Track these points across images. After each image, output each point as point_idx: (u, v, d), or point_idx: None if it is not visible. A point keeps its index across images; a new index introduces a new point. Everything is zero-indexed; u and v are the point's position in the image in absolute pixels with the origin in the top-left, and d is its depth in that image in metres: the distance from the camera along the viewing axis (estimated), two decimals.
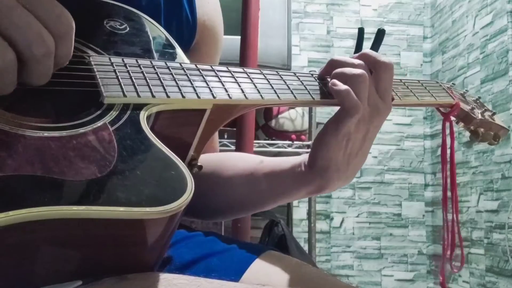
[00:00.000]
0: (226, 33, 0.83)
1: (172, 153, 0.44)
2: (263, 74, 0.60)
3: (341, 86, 0.58)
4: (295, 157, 0.66)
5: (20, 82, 0.43)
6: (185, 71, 0.55)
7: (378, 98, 0.60)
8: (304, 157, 0.64)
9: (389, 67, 0.60)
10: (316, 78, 0.63)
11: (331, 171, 0.61)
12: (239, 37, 1.21)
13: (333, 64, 0.61)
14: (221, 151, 0.81)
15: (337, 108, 0.61)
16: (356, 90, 0.58)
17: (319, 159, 0.61)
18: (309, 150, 1.93)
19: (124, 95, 0.48)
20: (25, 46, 0.42)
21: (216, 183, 0.69)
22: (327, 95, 0.61)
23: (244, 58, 1.19)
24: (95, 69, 0.50)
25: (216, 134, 0.81)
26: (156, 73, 0.53)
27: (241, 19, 1.21)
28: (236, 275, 0.58)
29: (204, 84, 0.54)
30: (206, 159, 0.69)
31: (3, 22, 0.40)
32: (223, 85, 0.55)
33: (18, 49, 0.41)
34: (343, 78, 0.59)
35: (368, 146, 0.63)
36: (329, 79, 0.61)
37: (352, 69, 0.59)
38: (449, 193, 0.75)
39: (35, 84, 0.45)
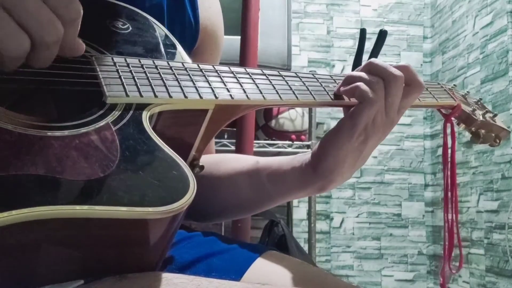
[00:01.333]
0: (226, 33, 0.83)
1: (174, 153, 0.44)
2: (265, 74, 0.60)
3: (354, 83, 0.58)
4: (295, 158, 0.65)
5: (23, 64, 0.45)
6: (187, 71, 0.55)
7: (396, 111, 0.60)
8: (305, 158, 0.64)
9: (421, 87, 0.61)
10: (317, 78, 0.63)
11: (336, 174, 0.61)
12: (239, 37, 1.21)
13: (348, 80, 0.61)
14: (221, 151, 0.82)
15: (337, 109, 0.61)
16: (375, 89, 0.57)
17: (326, 161, 0.60)
18: (309, 150, 1.94)
19: (127, 95, 0.48)
20: (37, 34, 0.43)
21: (211, 185, 0.68)
22: (329, 96, 0.61)
23: (244, 58, 1.19)
24: (98, 69, 0.50)
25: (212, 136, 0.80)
26: (159, 73, 0.53)
27: (241, 19, 1.21)
28: (236, 275, 0.58)
29: (206, 84, 0.54)
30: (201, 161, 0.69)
31: (17, 10, 0.42)
32: (225, 85, 0.55)
33: (31, 36, 0.43)
34: (357, 79, 0.59)
35: (373, 150, 0.63)
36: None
37: (371, 75, 0.59)
38: (449, 194, 0.75)
39: (38, 67, 0.46)
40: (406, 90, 0.60)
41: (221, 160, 0.72)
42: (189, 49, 0.74)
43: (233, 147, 1.55)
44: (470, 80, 2.34)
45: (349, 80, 0.60)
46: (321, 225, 2.51)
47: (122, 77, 0.50)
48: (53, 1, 0.44)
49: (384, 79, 0.58)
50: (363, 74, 0.59)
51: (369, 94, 0.57)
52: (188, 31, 0.74)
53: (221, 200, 0.70)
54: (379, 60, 0.60)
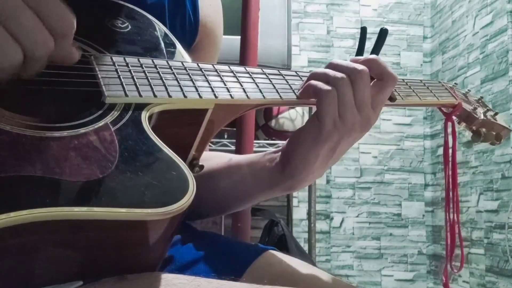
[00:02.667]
0: (226, 33, 0.83)
1: (174, 153, 0.44)
2: (265, 73, 0.59)
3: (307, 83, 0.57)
4: (265, 155, 0.63)
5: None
6: (187, 71, 0.55)
7: (370, 107, 0.57)
8: (274, 157, 0.62)
9: (394, 80, 0.58)
10: None
11: (305, 173, 0.58)
12: (239, 37, 1.21)
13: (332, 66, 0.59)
14: (221, 151, 0.81)
15: None
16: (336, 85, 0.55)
17: (294, 161, 0.58)
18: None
19: (126, 95, 0.48)
20: (29, 48, 0.43)
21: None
22: None
23: (244, 58, 1.19)
24: (97, 69, 0.50)
25: None
26: (158, 72, 0.52)
27: (241, 19, 1.20)
28: (236, 275, 0.57)
29: (206, 84, 0.54)
30: None
31: (11, 24, 0.41)
32: (225, 85, 0.55)
33: (23, 49, 0.42)
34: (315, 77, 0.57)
35: (347, 149, 0.60)
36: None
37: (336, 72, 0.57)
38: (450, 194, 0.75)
39: (26, 77, 0.46)
40: (379, 84, 0.58)
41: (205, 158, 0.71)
42: (188, 46, 0.73)
43: (233, 147, 1.55)
44: (470, 80, 2.34)
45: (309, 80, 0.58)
46: (321, 225, 2.50)
47: (121, 76, 0.50)
48: (46, 13, 0.43)
49: (349, 76, 0.56)
50: (322, 71, 0.57)
51: (321, 87, 0.55)
52: (188, 28, 0.74)
53: (202, 197, 0.69)
54: (340, 60, 0.58)
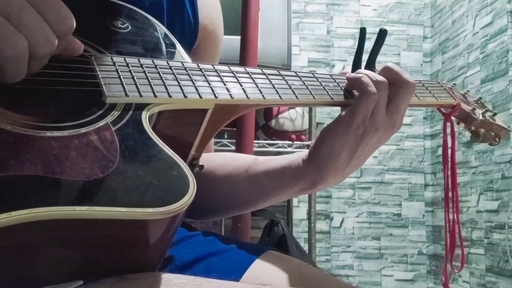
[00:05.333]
0: (226, 33, 0.83)
1: (174, 153, 0.44)
2: (265, 74, 0.60)
3: (357, 74, 0.61)
4: (293, 154, 0.65)
5: None
6: (187, 71, 0.55)
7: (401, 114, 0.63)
8: (303, 153, 0.63)
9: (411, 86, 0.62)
10: (317, 78, 0.63)
11: (330, 164, 0.60)
12: (239, 37, 1.21)
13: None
14: (221, 151, 0.81)
15: (337, 109, 0.61)
16: (377, 87, 0.60)
17: (322, 149, 0.60)
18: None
19: (126, 95, 0.48)
20: (32, 46, 0.43)
21: (210, 183, 0.68)
22: (328, 95, 0.61)
23: (244, 58, 1.19)
24: (97, 69, 0.50)
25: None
26: (158, 72, 0.53)
27: (241, 19, 1.20)
28: (236, 275, 0.58)
29: (206, 84, 0.54)
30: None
31: (15, 22, 0.42)
32: (225, 85, 0.55)
33: (27, 40, 0.43)
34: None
35: (372, 152, 0.65)
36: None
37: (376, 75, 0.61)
38: (450, 194, 0.75)
39: (27, 76, 0.46)
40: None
41: (221, 158, 0.72)
42: (188, 48, 0.73)
43: (233, 147, 1.55)
44: (470, 80, 2.34)
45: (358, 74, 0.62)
46: (321, 225, 2.50)
47: (121, 77, 0.50)
48: (48, 13, 0.44)
49: (396, 83, 0.61)
50: (372, 73, 0.61)
51: (367, 87, 0.59)
52: (188, 30, 0.74)
53: (218, 197, 0.70)
54: (395, 66, 0.63)
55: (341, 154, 0.60)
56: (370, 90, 0.59)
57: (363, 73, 0.61)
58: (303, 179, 0.62)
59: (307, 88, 0.60)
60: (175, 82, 0.52)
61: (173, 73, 0.53)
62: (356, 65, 0.66)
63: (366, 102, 0.59)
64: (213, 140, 0.82)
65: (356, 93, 0.61)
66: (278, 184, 0.64)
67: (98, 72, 0.50)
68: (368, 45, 0.67)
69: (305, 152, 0.63)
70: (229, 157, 0.73)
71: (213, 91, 0.53)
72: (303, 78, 0.61)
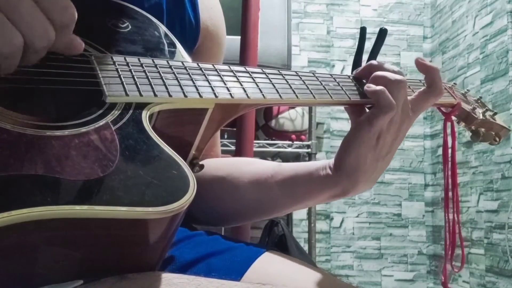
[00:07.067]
0: (226, 33, 0.83)
1: (174, 152, 0.44)
2: (265, 73, 0.60)
3: (376, 86, 0.60)
4: (319, 161, 0.65)
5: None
6: (187, 70, 0.55)
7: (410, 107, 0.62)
8: (329, 160, 0.63)
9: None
10: (317, 77, 0.63)
11: (359, 172, 0.60)
12: (239, 37, 1.21)
13: (372, 67, 0.63)
14: (221, 151, 0.81)
15: (337, 108, 0.61)
16: (394, 93, 0.59)
17: (348, 158, 0.60)
18: (309, 150, 1.94)
19: (126, 94, 0.48)
20: (28, 38, 0.43)
21: (228, 189, 0.68)
22: (329, 94, 0.61)
23: (244, 58, 1.18)
24: (97, 68, 0.50)
25: (218, 138, 0.80)
26: (158, 72, 0.53)
27: (241, 19, 1.20)
28: (236, 275, 0.58)
29: (206, 84, 0.54)
30: (218, 164, 0.69)
31: (12, 15, 0.42)
32: (225, 84, 0.55)
33: (23, 36, 0.43)
34: (383, 80, 0.60)
35: (394, 151, 0.64)
36: (364, 81, 0.63)
37: (394, 74, 0.60)
38: (450, 194, 0.75)
39: (25, 67, 0.46)
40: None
41: (243, 164, 0.71)
42: (189, 49, 0.73)
43: (233, 147, 1.55)
44: (470, 80, 2.34)
45: (371, 66, 0.62)
46: (321, 225, 2.51)
47: (121, 76, 0.50)
48: (47, 5, 0.44)
49: (387, 85, 0.60)
50: (390, 75, 0.60)
51: (392, 102, 0.58)
52: (189, 31, 0.74)
53: (237, 205, 0.69)
54: (381, 72, 0.62)
55: (367, 158, 0.60)
56: (393, 105, 0.59)
57: (380, 76, 0.61)
58: (333, 187, 0.62)
59: (307, 88, 0.60)
60: (175, 82, 0.52)
61: (173, 73, 0.53)
62: (356, 65, 0.66)
63: (388, 117, 0.59)
64: (219, 144, 0.82)
65: (356, 93, 0.61)
66: (301, 194, 0.65)
67: (98, 72, 0.50)
68: (368, 45, 0.67)
69: (330, 160, 0.63)
70: (252, 163, 0.72)
71: (213, 90, 0.53)
72: (303, 78, 0.61)
